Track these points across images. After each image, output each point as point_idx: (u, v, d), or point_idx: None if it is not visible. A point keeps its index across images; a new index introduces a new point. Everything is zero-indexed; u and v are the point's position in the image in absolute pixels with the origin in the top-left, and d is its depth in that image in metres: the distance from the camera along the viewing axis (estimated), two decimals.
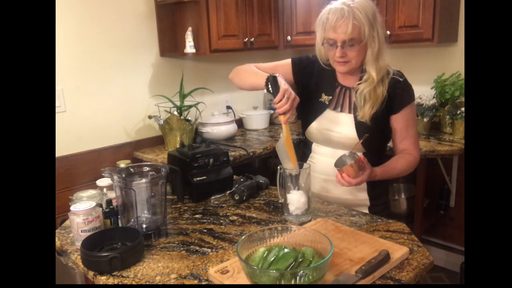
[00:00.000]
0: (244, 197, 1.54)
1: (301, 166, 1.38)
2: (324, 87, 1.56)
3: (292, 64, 1.61)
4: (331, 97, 1.54)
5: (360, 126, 1.47)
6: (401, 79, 1.47)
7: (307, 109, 1.58)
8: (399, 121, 1.49)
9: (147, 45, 2.50)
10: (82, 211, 1.23)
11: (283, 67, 1.62)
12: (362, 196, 1.55)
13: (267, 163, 2.91)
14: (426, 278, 2.67)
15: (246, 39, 2.61)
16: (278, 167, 1.40)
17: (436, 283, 2.66)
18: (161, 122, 2.41)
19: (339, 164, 1.36)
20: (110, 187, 1.51)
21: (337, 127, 1.50)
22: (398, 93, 1.46)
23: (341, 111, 1.52)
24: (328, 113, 1.53)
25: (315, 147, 1.60)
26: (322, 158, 1.57)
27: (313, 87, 1.58)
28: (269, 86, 1.41)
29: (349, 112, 1.51)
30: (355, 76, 1.51)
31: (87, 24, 2.23)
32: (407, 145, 1.51)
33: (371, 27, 1.38)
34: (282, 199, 1.42)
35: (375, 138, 1.46)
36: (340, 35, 1.37)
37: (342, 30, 1.37)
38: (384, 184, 1.61)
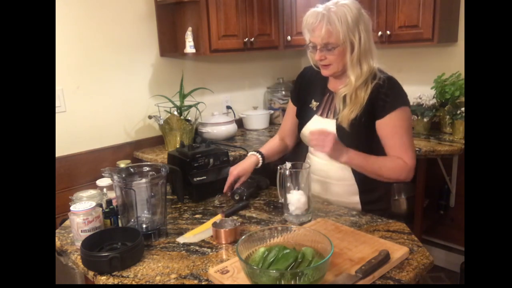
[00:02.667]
0: (244, 197, 1.54)
1: (301, 166, 1.38)
2: (314, 93, 1.58)
3: (291, 99, 1.71)
4: (319, 103, 1.56)
5: (340, 131, 1.45)
6: (384, 84, 1.40)
7: (301, 115, 1.62)
8: (383, 127, 1.42)
9: (147, 45, 2.50)
10: (82, 211, 1.23)
11: (289, 108, 1.72)
12: (354, 199, 1.52)
13: (267, 163, 2.91)
14: (426, 278, 2.67)
15: (246, 39, 2.61)
16: (278, 167, 1.40)
17: (436, 283, 2.66)
18: (161, 122, 2.41)
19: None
20: (110, 187, 1.51)
21: None
22: (380, 98, 1.40)
23: (327, 116, 1.53)
24: (316, 119, 1.55)
25: (310, 149, 1.62)
26: (317, 160, 1.58)
27: (305, 94, 1.62)
28: None
29: (333, 118, 1.50)
30: (343, 81, 1.47)
31: (87, 24, 2.23)
32: (397, 153, 1.42)
33: (350, 32, 1.35)
34: (282, 199, 1.42)
35: (357, 145, 1.42)
36: (317, 38, 1.38)
37: (317, 34, 1.37)
38: (378, 191, 1.55)
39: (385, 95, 1.40)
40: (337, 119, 1.47)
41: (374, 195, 1.53)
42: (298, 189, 1.36)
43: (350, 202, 1.53)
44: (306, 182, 1.36)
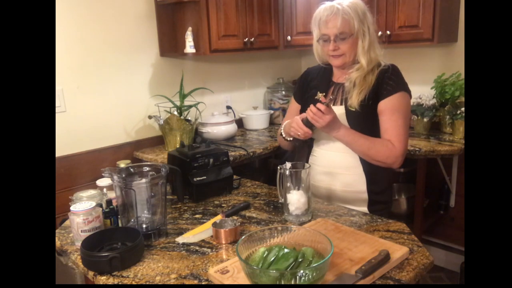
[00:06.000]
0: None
1: (301, 166, 1.38)
2: (319, 87, 1.66)
3: (294, 98, 1.79)
4: (324, 94, 1.62)
5: (350, 115, 1.53)
6: (389, 69, 1.51)
7: (306, 109, 1.63)
8: (383, 108, 1.50)
9: (147, 45, 2.50)
10: (82, 211, 1.23)
11: (292, 106, 1.78)
12: (362, 189, 1.56)
13: (267, 163, 2.91)
14: (426, 278, 2.67)
15: (246, 39, 2.60)
16: (278, 167, 1.40)
17: (436, 283, 2.66)
18: (161, 122, 2.41)
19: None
20: (110, 187, 1.51)
21: None
22: (385, 81, 1.50)
23: (334, 104, 1.58)
24: None
25: (316, 142, 1.66)
26: (322, 152, 1.62)
27: (310, 89, 1.69)
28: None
29: (341, 104, 1.57)
30: (348, 72, 1.57)
31: (87, 24, 2.23)
32: (389, 136, 1.49)
33: (361, 22, 1.49)
34: (282, 199, 1.43)
35: (367, 127, 1.51)
36: (332, 29, 1.48)
37: (333, 25, 1.48)
38: (384, 182, 1.61)
39: (389, 78, 1.50)
40: (346, 104, 1.54)
41: (379, 185, 1.59)
42: (298, 189, 1.36)
43: (358, 191, 1.57)
44: (306, 182, 1.36)
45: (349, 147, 1.52)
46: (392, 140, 1.48)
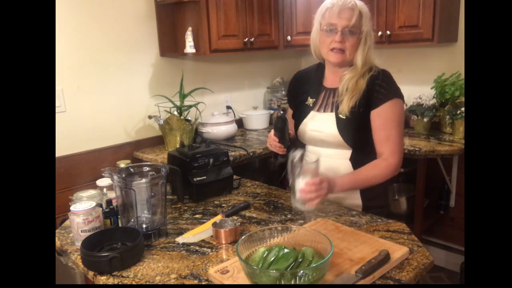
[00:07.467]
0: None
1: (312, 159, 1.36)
2: (310, 91, 1.62)
3: (288, 104, 1.77)
4: (315, 100, 1.59)
5: (340, 123, 1.49)
6: (379, 75, 1.47)
7: (296, 114, 1.65)
8: (376, 118, 1.46)
9: (147, 45, 2.50)
10: (82, 211, 1.23)
11: (289, 114, 1.74)
12: (355, 195, 1.54)
13: (267, 163, 2.91)
14: (426, 278, 2.67)
15: (246, 39, 2.61)
16: (291, 152, 1.35)
17: (436, 283, 2.66)
18: (161, 122, 2.41)
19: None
20: (110, 187, 1.51)
21: (320, 127, 1.54)
22: (375, 89, 1.45)
23: (324, 111, 1.56)
24: (313, 115, 1.57)
25: (308, 147, 1.63)
26: (315, 157, 1.58)
27: (301, 94, 1.65)
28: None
29: (331, 111, 1.53)
30: (339, 76, 1.54)
31: (87, 24, 2.23)
32: (383, 148, 1.46)
33: (369, 25, 1.47)
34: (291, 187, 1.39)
35: (358, 135, 1.48)
36: (343, 20, 1.42)
37: (346, 16, 1.42)
38: (379, 186, 1.55)
39: (380, 86, 1.45)
40: (336, 111, 1.50)
41: (373, 190, 1.55)
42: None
43: (351, 197, 1.54)
44: (314, 173, 1.30)
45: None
46: (385, 154, 1.45)
